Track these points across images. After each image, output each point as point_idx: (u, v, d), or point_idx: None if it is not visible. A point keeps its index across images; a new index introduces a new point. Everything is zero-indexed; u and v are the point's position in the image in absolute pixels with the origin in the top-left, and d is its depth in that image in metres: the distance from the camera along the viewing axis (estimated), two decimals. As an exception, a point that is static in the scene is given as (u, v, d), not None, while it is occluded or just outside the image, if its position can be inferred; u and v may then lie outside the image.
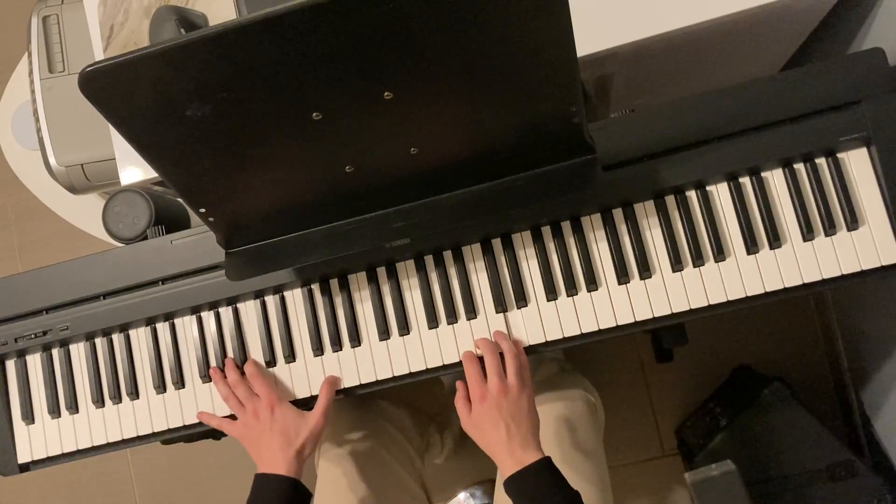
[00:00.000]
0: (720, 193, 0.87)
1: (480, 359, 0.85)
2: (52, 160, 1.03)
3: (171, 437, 0.95)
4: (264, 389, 0.88)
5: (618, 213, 0.88)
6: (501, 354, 0.84)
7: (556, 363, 1.29)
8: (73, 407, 0.96)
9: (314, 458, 1.07)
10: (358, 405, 1.09)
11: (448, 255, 0.90)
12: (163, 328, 0.95)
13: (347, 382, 0.91)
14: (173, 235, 0.93)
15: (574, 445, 0.97)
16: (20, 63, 1.34)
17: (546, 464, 0.78)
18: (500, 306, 0.88)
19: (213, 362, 0.93)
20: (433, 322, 0.89)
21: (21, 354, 0.97)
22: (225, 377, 0.91)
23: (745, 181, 0.86)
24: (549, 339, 0.87)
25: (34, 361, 0.97)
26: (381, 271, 0.91)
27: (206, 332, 0.94)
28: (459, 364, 0.88)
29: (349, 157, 0.72)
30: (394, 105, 0.65)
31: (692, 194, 0.87)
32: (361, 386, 0.90)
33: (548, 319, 0.87)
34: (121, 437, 0.95)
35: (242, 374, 0.91)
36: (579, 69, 0.67)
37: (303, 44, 0.58)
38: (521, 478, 0.77)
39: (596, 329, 0.87)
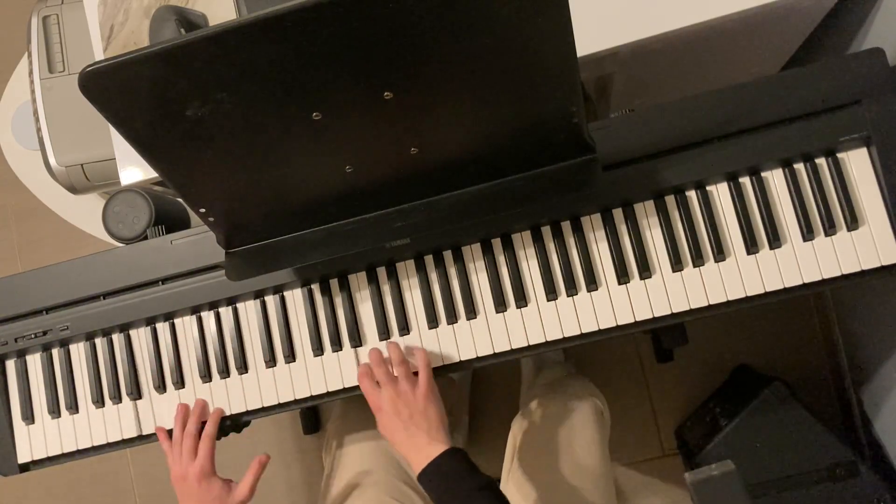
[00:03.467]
0: (720, 193, 0.87)
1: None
2: (52, 160, 1.03)
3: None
4: (202, 458, 0.88)
5: (618, 213, 0.87)
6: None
7: (561, 367, 1.29)
8: (74, 407, 0.96)
9: (322, 452, 1.08)
10: (365, 402, 1.09)
11: (448, 255, 0.90)
12: (163, 328, 0.95)
13: (347, 383, 0.91)
14: (173, 235, 0.93)
15: (581, 449, 0.97)
16: (20, 63, 1.34)
17: (452, 453, 0.79)
18: (500, 306, 0.88)
19: (212, 362, 0.93)
20: (433, 322, 0.89)
21: (21, 354, 0.97)
22: (184, 422, 0.90)
23: (745, 181, 0.86)
24: (549, 339, 0.87)
25: (34, 361, 0.97)
26: (381, 271, 0.91)
27: (206, 332, 0.94)
28: (459, 364, 0.88)
29: (349, 157, 0.72)
30: (394, 105, 0.65)
31: (692, 194, 0.87)
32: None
33: (548, 319, 0.87)
34: (121, 437, 0.95)
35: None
36: (579, 69, 0.67)
37: (303, 44, 0.58)
38: (430, 471, 0.79)
39: (596, 329, 0.87)
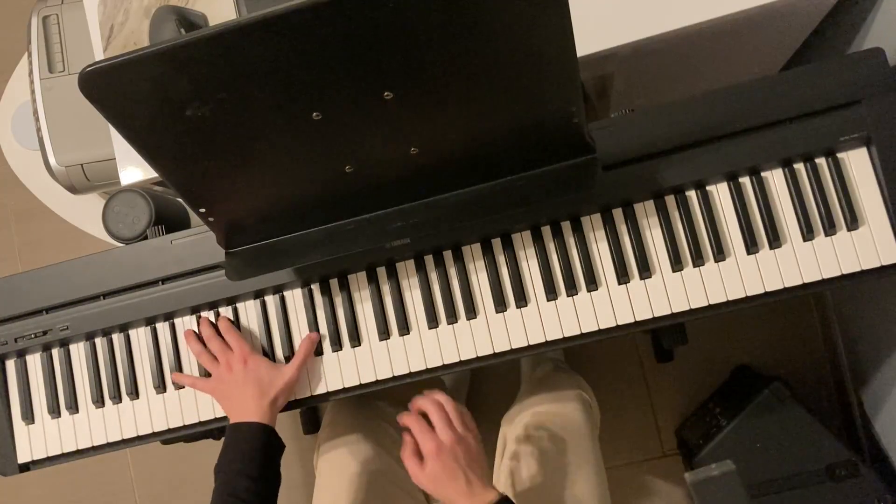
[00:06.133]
0: (720, 193, 0.87)
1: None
2: (52, 160, 1.03)
3: (171, 437, 0.95)
4: (237, 342, 0.89)
5: (618, 213, 0.88)
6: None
7: (552, 362, 1.29)
8: (73, 407, 0.96)
9: (313, 459, 1.07)
10: (356, 406, 1.09)
11: (448, 255, 0.90)
12: (163, 328, 0.95)
13: (347, 382, 0.91)
14: (173, 235, 0.93)
15: (568, 442, 0.97)
16: (20, 63, 1.34)
17: (505, 499, 0.77)
18: (500, 306, 0.88)
19: (213, 362, 0.93)
20: (433, 322, 0.89)
21: (21, 354, 0.97)
22: (198, 336, 0.91)
23: (745, 181, 0.86)
24: (549, 339, 0.87)
25: (34, 361, 0.97)
26: (381, 271, 0.91)
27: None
28: (459, 364, 0.88)
29: (349, 157, 0.72)
30: (394, 105, 0.65)
31: (692, 194, 0.87)
32: (361, 386, 0.90)
33: (548, 319, 0.87)
34: (121, 437, 0.95)
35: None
36: (579, 69, 0.67)
37: (303, 44, 0.58)
38: None
39: (596, 329, 0.87)
